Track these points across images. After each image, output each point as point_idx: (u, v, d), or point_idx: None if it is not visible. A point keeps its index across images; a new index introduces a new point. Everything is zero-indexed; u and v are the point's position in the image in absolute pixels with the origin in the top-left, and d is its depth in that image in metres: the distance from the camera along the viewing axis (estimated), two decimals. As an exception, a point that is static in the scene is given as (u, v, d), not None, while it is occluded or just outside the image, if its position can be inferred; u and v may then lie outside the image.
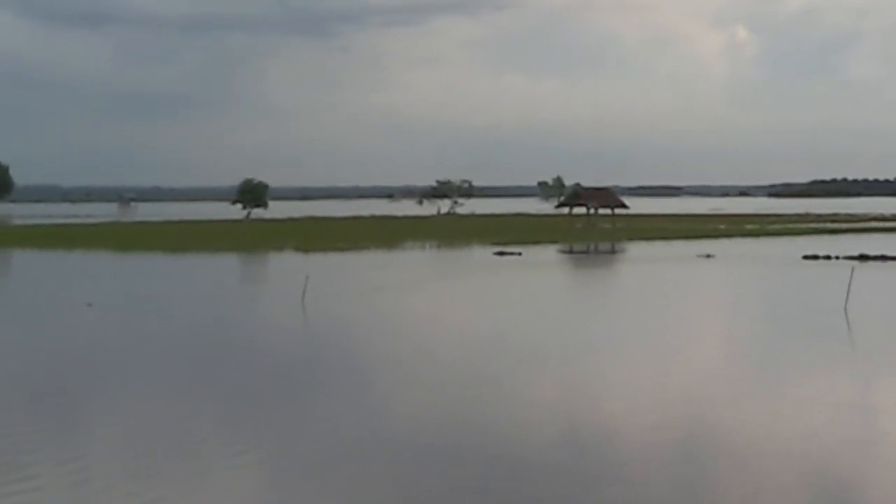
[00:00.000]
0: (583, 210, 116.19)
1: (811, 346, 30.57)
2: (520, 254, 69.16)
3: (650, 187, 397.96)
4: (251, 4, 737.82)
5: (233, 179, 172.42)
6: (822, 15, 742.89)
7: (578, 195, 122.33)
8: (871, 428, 19.74)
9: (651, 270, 57.73)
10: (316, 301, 40.13)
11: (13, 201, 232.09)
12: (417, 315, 38.79)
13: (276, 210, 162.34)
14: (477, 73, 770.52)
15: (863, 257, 61.87)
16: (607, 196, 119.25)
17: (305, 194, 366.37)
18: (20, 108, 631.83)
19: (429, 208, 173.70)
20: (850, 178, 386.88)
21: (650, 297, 43.65)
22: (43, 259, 69.75)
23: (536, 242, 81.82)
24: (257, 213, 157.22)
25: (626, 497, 15.27)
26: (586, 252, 77.03)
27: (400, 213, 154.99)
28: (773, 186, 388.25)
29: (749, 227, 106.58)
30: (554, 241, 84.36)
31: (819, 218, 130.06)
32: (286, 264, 64.62)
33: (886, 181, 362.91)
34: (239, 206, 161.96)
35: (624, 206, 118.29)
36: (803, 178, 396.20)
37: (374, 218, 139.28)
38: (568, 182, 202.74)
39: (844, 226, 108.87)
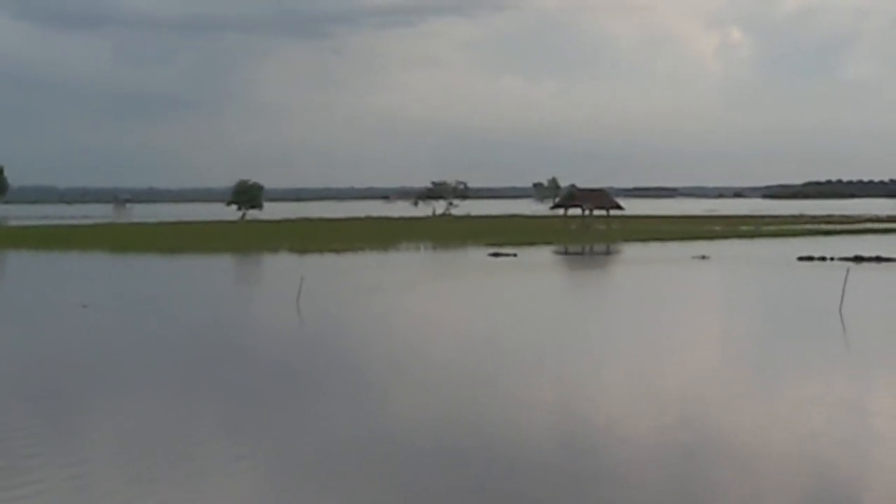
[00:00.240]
0: (578, 211, 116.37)
1: (806, 347, 30.62)
2: (515, 255, 69.19)
3: (645, 188, 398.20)
4: (246, 5, 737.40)
5: (228, 181, 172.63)
6: (818, 16, 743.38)
7: (574, 196, 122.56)
8: (867, 429, 19.77)
9: (646, 272, 57.78)
10: (311, 302, 40.13)
11: (8, 202, 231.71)
12: (412, 316, 38.81)
13: (271, 211, 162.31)
14: (473, 75, 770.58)
15: (857, 258, 61.95)
16: (602, 197, 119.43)
17: (300, 195, 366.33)
18: (15, 109, 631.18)
19: (424, 209, 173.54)
20: (844, 179, 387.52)
21: (645, 299, 43.69)
22: (38, 260, 69.67)
23: (532, 244, 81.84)
24: (252, 214, 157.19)
25: (624, 498, 15.30)
26: (581, 253, 77.08)
27: (395, 215, 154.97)
28: (768, 188, 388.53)
29: (744, 228, 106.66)
30: (549, 243, 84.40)
31: (814, 219, 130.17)
32: (281, 265, 64.63)
33: (881, 182, 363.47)
34: (234, 207, 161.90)
35: (619, 207, 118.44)
36: (798, 179, 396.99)
37: (369, 219, 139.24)
38: (563, 183, 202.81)
39: (839, 227, 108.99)
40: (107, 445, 18.85)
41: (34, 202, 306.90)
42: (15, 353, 29.54)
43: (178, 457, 17.71)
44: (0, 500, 15.24)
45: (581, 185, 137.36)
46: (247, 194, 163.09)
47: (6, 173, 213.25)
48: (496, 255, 69.71)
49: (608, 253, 77.18)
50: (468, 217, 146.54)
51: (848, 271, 42.59)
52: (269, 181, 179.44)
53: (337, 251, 74.50)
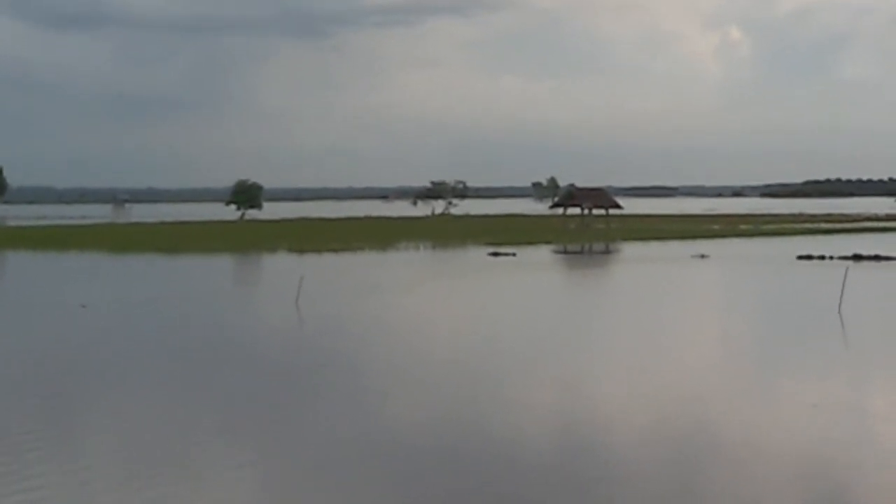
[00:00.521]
0: (577, 210, 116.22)
1: (805, 346, 30.62)
2: (514, 254, 69.18)
3: (644, 188, 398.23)
4: (245, 6, 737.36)
5: (227, 180, 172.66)
6: (817, 15, 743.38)
7: (573, 195, 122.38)
8: (865, 429, 19.77)
9: (645, 271, 57.77)
10: (310, 302, 40.11)
11: (7, 203, 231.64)
12: (412, 316, 38.80)
13: (271, 211, 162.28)
14: (471, 74, 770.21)
15: (857, 257, 61.97)
16: (601, 196, 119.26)
17: (299, 195, 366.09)
18: (14, 110, 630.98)
19: (423, 209, 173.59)
20: (844, 178, 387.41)
21: (644, 298, 43.68)
22: (37, 260, 69.66)
23: (531, 243, 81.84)
24: (251, 214, 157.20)
25: (623, 498, 15.29)
26: (580, 252, 77.09)
27: (394, 214, 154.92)
28: (767, 187, 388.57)
29: (743, 227, 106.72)
30: (548, 242, 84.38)
31: (813, 218, 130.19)
32: (280, 265, 64.61)
33: (880, 181, 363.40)
34: (233, 207, 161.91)
35: (618, 206, 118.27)
36: (797, 178, 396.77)
37: (368, 219, 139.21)
38: (562, 182, 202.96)
39: (838, 226, 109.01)
40: (106, 446, 18.81)
41: (33, 202, 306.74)
42: (13, 353, 29.49)
43: (177, 458, 17.69)
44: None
45: (580, 184, 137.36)
46: (246, 194, 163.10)
47: (5, 173, 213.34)
48: (495, 254, 69.70)
49: (607, 252, 77.18)
50: (467, 216, 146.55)
51: (847, 270, 42.59)
52: (268, 181, 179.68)
53: (336, 251, 74.48)
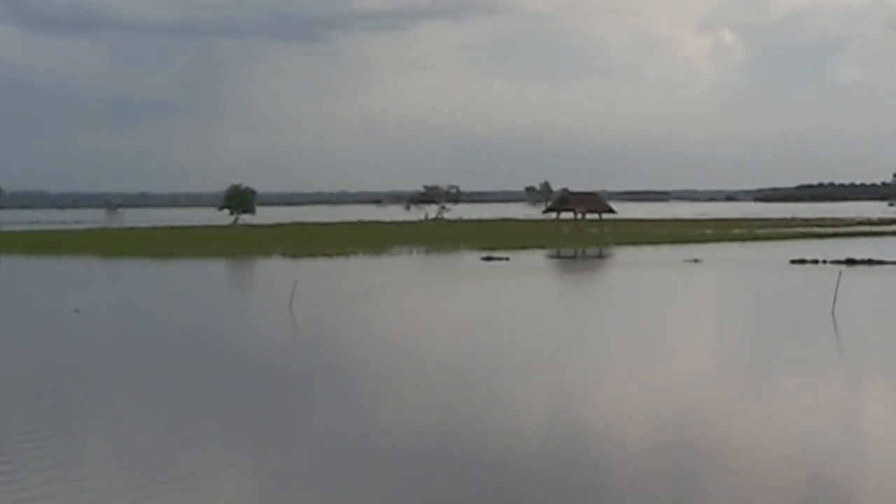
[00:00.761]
0: (570, 215, 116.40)
1: (799, 349, 30.64)
2: (507, 259, 69.22)
3: (638, 192, 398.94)
4: (239, 10, 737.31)
5: (220, 185, 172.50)
6: (811, 19, 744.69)
7: (566, 200, 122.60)
8: (859, 431, 19.81)
9: (638, 275, 57.82)
10: (304, 307, 40.09)
11: (0, 207, 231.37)
12: (406, 320, 38.78)
13: (264, 216, 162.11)
14: (464, 79, 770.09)
15: (850, 261, 62.06)
16: (595, 201, 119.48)
17: (293, 200, 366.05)
18: (8, 114, 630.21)
19: (416, 214, 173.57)
20: (837, 182, 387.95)
21: (638, 302, 43.70)
22: (30, 265, 69.58)
23: (524, 247, 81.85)
24: (245, 218, 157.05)
25: (618, 502, 15.29)
26: (574, 257, 77.15)
27: (387, 219, 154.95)
28: (760, 191, 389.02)
29: (736, 231, 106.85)
30: (541, 246, 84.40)
31: (806, 222, 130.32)
32: (274, 270, 64.56)
33: (873, 185, 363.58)
34: (226, 211, 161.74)
35: (611, 210, 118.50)
36: (790, 182, 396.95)
37: (361, 223, 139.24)
38: (555, 187, 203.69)
39: (831, 230, 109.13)
40: (100, 450, 18.78)
41: (26, 207, 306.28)
42: (7, 358, 29.43)
43: (172, 461, 17.66)
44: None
45: (573, 188, 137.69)
46: (239, 199, 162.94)
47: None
48: (489, 258, 69.74)
49: (600, 256, 77.23)
50: (460, 221, 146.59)
51: (840, 274, 42.65)
52: (261, 185, 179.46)
53: (329, 255, 74.44)
